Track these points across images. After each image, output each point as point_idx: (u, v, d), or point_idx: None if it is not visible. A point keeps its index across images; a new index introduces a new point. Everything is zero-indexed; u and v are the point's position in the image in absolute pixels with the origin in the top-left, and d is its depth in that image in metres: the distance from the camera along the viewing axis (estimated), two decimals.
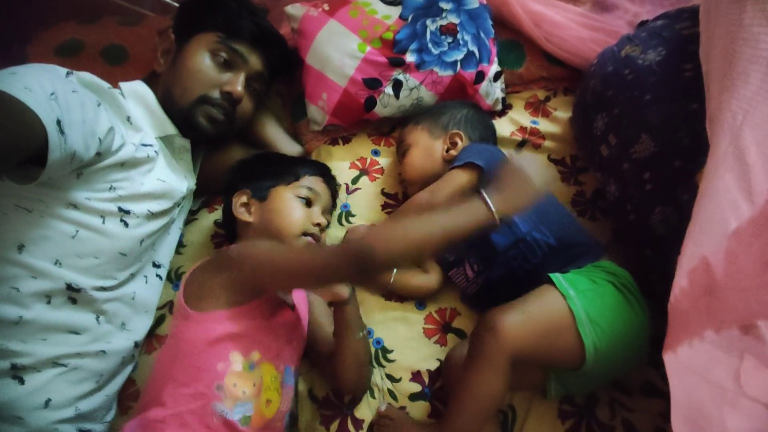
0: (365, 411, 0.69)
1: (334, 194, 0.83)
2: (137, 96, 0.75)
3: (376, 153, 0.95)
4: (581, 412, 0.66)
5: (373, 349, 0.73)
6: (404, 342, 0.74)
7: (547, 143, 0.91)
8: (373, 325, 0.75)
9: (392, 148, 0.94)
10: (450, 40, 0.91)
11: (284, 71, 0.92)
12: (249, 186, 0.74)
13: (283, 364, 0.61)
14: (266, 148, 0.91)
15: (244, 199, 0.73)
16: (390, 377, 0.71)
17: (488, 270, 0.70)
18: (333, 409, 0.69)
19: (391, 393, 0.70)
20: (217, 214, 0.88)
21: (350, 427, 0.68)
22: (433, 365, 0.72)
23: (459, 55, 0.91)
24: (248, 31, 0.80)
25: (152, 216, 0.70)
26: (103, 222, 0.64)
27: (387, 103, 0.91)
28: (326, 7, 0.93)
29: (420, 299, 0.78)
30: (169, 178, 0.75)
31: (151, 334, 0.76)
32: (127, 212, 0.66)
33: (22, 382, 0.57)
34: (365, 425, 0.68)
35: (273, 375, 0.59)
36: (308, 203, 0.73)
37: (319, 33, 0.90)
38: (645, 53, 0.72)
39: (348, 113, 0.92)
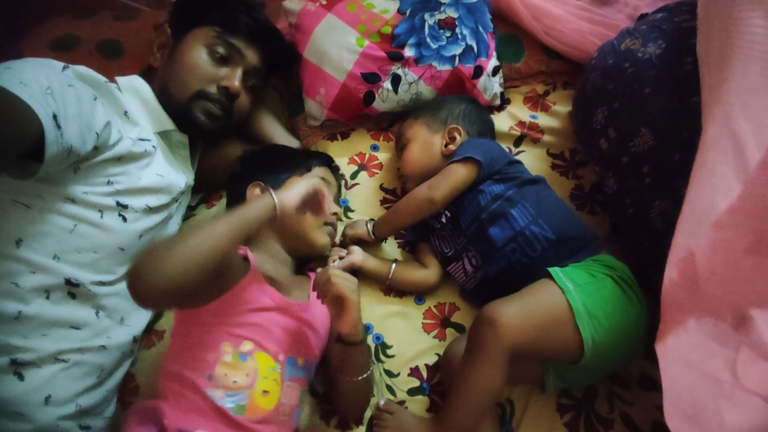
0: None
1: (339, 184, 0.84)
2: (134, 91, 0.75)
3: (374, 148, 0.94)
4: (580, 405, 0.67)
5: (372, 345, 0.73)
6: (403, 337, 0.74)
7: (546, 137, 0.91)
8: (373, 320, 0.75)
9: (391, 143, 0.94)
10: (448, 34, 0.90)
11: (282, 66, 0.91)
12: (261, 178, 0.73)
13: (284, 354, 0.61)
14: (264, 143, 0.91)
15: (257, 191, 0.72)
16: (389, 372, 0.71)
17: (487, 264, 0.70)
18: (333, 404, 0.70)
19: (389, 388, 0.70)
20: (216, 210, 0.88)
21: (351, 422, 0.68)
22: (432, 360, 0.72)
23: (457, 50, 0.90)
24: (245, 26, 0.80)
25: (150, 211, 0.70)
26: (102, 216, 0.63)
27: (386, 98, 0.91)
28: (324, 1, 0.92)
29: (419, 294, 0.78)
30: (167, 173, 0.74)
31: (150, 329, 0.76)
32: (125, 207, 0.66)
33: (21, 378, 0.57)
34: (365, 420, 0.68)
35: (270, 365, 0.59)
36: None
37: (316, 27, 0.90)
38: (645, 46, 0.72)
39: (346, 108, 0.91)
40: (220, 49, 0.78)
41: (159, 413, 0.54)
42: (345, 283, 0.58)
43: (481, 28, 0.93)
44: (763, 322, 0.37)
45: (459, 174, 0.72)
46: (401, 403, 0.69)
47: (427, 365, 0.71)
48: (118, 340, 0.67)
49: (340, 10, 0.90)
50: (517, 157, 0.83)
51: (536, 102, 0.96)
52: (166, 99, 0.77)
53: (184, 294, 0.48)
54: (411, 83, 0.90)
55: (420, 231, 0.81)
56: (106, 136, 0.62)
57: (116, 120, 0.66)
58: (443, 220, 0.76)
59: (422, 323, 0.75)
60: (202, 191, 0.91)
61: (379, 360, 0.72)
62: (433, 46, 0.89)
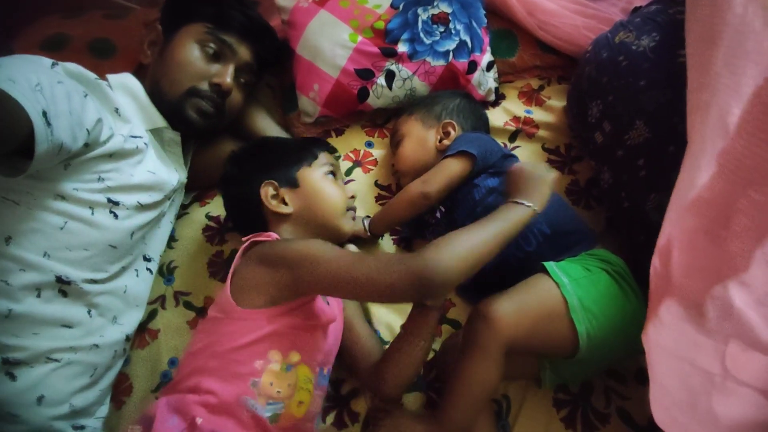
0: (361, 403, 0.68)
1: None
2: (125, 88, 0.74)
3: (369, 145, 0.94)
4: (576, 400, 0.66)
5: None
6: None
7: (541, 132, 0.90)
8: (368, 317, 0.75)
9: (386, 139, 0.94)
10: (442, 29, 0.90)
11: (274, 63, 0.91)
12: (270, 176, 0.68)
13: (319, 365, 0.60)
14: None
15: (271, 190, 0.67)
16: None
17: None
18: (330, 400, 0.69)
19: None
20: (209, 208, 0.87)
21: (346, 419, 0.67)
22: (428, 356, 0.71)
23: (451, 45, 0.90)
24: (237, 22, 0.79)
25: (142, 208, 0.70)
26: (92, 213, 0.63)
27: (380, 94, 0.90)
28: None
29: None
30: (160, 170, 0.74)
31: (143, 328, 0.75)
32: (117, 203, 0.66)
33: (14, 378, 0.57)
34: (361, 418, 0.67)
35: (308, 377, 0.57)
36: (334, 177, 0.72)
37: (309, 23, 0.89)
38: (639, 39, 0.71)
39: (340, 104, 0.91)
40: (212, 46, 0.77)
41: (191, 409, 0.52)
42: None
43: (474, 23, 0.92)
44: (753, 313, 0.36)
45: (453, 168, 0.71)
46: (397, 400, 0.68)
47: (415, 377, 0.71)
48: (110, 338, 0.66)
49: (332, 5, 0.89)
50: (512, 153, 0.83)
51: (531, 97, 0.96)
52: (157, 96, 0.76)
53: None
54: (405, 79, 0.89)
55: (415, 227, 0.80)
56: (97, 132, 0.61)
57: (107, 117, 0.65)
58: (438, 215, 0.76)
59: None
60: (196, 189, 0.91)
61: None
62: (427, 41, 0.89)
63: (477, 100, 0.91)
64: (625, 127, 0.68)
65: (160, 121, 0.76)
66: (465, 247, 0.51)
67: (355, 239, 0.80)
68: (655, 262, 0.45)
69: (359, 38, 0.88)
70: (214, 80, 0.77)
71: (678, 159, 0.62)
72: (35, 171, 0.55)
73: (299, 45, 0.90)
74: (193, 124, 0.77)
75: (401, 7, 0.89)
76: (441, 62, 0.89)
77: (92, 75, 0.68)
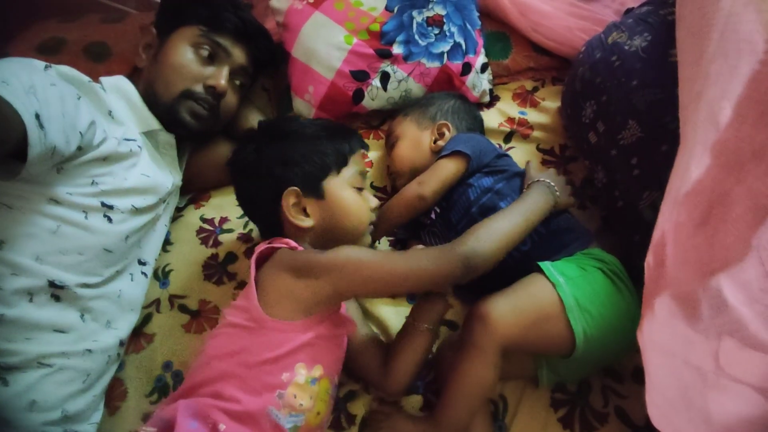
0: (359, 406, 0.68)
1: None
2: (119, 91, 0.74)
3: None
4: (574, 400, 0.66)
5: None
6: (396, 335, 0.73)
7: (536, 133, 0.91)
8: (365, 319, 0.74)
9: (381, 141, 0.94)
10: (436, 31, 0.90)
11: (269, 65, 0.91)
12: (292, 178, 0.61)
13: (337, 376, 0.60)
14: None
15: (293, 198, 0.61)
16: None
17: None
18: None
19: None
20: (204, 211, 0.87)
21: (343, 422, 0.67)
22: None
23: (446, 47, 0.90)
24: (231, 24, 0.79)
25: (137, 211, 0.69)
26: (86, 217, 0.63)
27: (375, 96, 0.91)
28: None
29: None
30: (154, 173, 0.74)
31: (138, 332, 0.75)
32: (111, 207, 0.65)
33: (6, 383, 0.56)
34: (358, 420, 0.67)
35: (326, 389, 0.57)
36: (360, 188, 0.66)
37: (304, 25, 0.89)
38: (631, 39, 0.72)
39: (336, 106, 0.91)
40: (207, 48, 0.77)
41: (213, 415, 0.50)
42: None
43: (468, 25, 0.93)
44: (746, 310, 0.36)
45: (448, 169, 0.71)
46: (395, 403, 0.68)
47: (421, 368, 0.70)
48: (104, 343, 0.66)
49: (327, 7, 0.90)
50: (506, 153, 0.83)
51: (525, 98, 0.96)
52: (152, 99, 0.76)
53: None
54: (400, 81, 0.90)
55: (411, 228, 0.80)
56: (90, 135, 0.61)
57: (101, 120, 0.65)
58: (433, 216, 0.76)
59: None
60: (191, 192, 0.90)
61: None
62: (422, 43, 0.89)
63: (471, 101, 0.92)
64: (619, 126, 0.69)
65: (154, 124, 0.76)
66: (499, 231, 0.58)
67: None
68: (649, 258, 0.45)
69: (354, 40, 0.88)
70: (208, 82, 0.77)
71: (671, 157, 0.62)
72: (28, 174, 0.55)
73: (294, 47, 0.90)
74: (188, 126, 0.77)
75: (396, 9, 0.90)
76: (436, 64, 0.90)
77: (85, 77, 0.68)
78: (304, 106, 0.92)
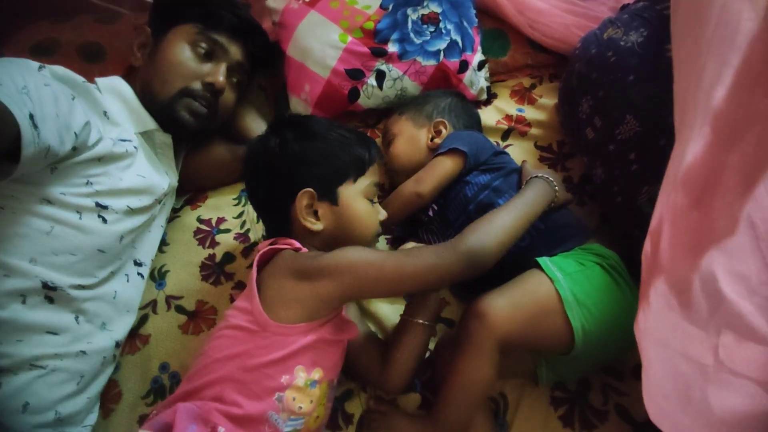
0: (355, 405, 0.67)
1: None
2: (114, 91, 0.74)
3: None
4: (573, 398, 0.65)
5: None
6: (392, 332, 0.72)
7: (534, 130, 0.90)
8: (363, 317, 0.74)
9: (378, 139, 0.93)
10: (432, 29, 0.90)
11: (265, 62, 0.91)
12: (310, 179, 0.61)
13: (335, 379, 0.59)
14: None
15: (307, 200, 0.60)
16: None
17: None
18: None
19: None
20: (200, 212, 0.87)
21: (340, 421, 0.66)
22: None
23: (442, 45, 0.90)
24: (228, 21, 0.79)
25: (132, 212, 0.69)
26: (80, 218, 0.62)
27: (371, 94, 0.90)
28: None
29: None
30: (150, 173, 0.73)
31: (134, 334, 0.74)
32: (105, 207, 0.65)
33: None
34: (355, 419, 0.66)
35: (325, 392, 0.56)
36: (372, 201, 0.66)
37: (299, 24, 0.89)
38: (627, 35, 0.72)
39: (332, 105, 0.91)
40: (203, 45, 0.77)
41: (213, 418, 0.50)
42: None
43: (465, 23, 0.92)
44: (746, 303, 0.36)
45: (445, 166, 0.71)
46: (392, 401, 0.67)
47: (420, 364, 0.70)
48: (99, 345, 0.65)
49: (323, 6, 0.90)
50: (504, 150, 0.83)
51: (523, 95, 0.96)
52: (149, 98, 0.76)
53: None
54: (396, 79, 0.89)
55: (408, 225, 0.80)
56: (85, 136, 0.61)
57: (96, 120, 0.65)
58: (430, 213, 0.75)
59: None
60: (188, 192, 0.90)
61: None
62: (417, 41, 0.89)
63: (469, 99, 0.91)
64: (616, 121, 0.68)
65: (150, 124, 0.76)
66: (502, 227, 0.58)
67: None
68: (646, 245, 0.44)
69: (349, 38, 0.88)
70: (206, 80, 0.76)
71: (669, 152, 0.61)
72: (21, 175, 0.54)
73: (290, 46, 0.90)
74: (186, 124, 0.77)
75: (390, 7, 0.90)
76: (432, 62, 0.89)
77: (80, 78, 0.67)
78: (301, 105, 0.91)
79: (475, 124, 0.86)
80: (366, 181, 0.64)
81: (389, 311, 0.74)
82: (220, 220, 0.85)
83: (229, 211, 0.86)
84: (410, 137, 0.80)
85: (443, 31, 0.90)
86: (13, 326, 0.57)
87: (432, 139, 0.79)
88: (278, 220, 0.63)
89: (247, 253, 0.80)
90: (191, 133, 0.81)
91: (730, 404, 0.38)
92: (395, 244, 0.82)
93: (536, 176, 0.68)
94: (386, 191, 0.87)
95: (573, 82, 0.80)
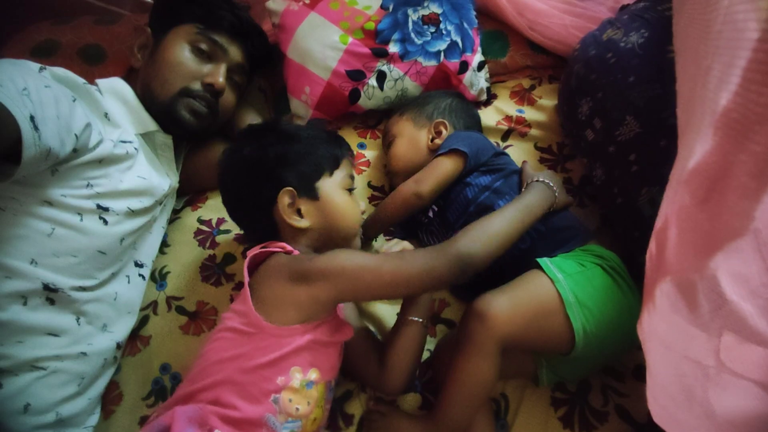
0: (355, 406, 0.67)
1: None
2: (114, 92, 0.74)
3: (362, 146, 0.93)
4: (574, 399, 0.65)
5: None
6: (389, 333, 0.72)
7: (533, 131, 0.90)
8: (361, 319, 0.74)
9: (378, 140, 0.93)
10: (433, 29, 0.90)
11: (265, 63, 0.91)
12: (288, 178, 0.61)
13: (333, 381, 0.59)
14: None
15: (288, 199, 0.61)
16: None
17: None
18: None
19: None
20: (201, 212, 0.86)
21: (340, 422, 0.66)
22: (423, 356, 0.70)
23: (442, 45, 0.90)
24: (227, 22, 0.79)
25: (133, 213, 0.69)
26: (81, 219, 0.62)
27: (372, 95, 0.90)
28: (307, 0, 0.92)
29: None
30: (151, 175, 0.73)
31: (135, 335, 0.74)
32: (106, 209, 0.65)
33: (0, 386, 0.55)
34: (355, 420, 0.66)
35: (323, 394, 0.56)
36: (350, 191, 0.66)
37: (299, 26, 0.89)
38: (627, 36, 0.72)
39: (332, 106, 0.91)
40: (203, 46, 0.77)
41: (210, 421, 0.50)
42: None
43: (465, 24, 0.93)
44: (747, 305, 0.36)
45: (445, 167, 0.71)
46: (392, 402, 0.67)
47: (418, 363, 0.70)
48: (99, 346, 0.65)
49: (323, 8, 0.90)
50: (504, 151, 0.83)
51: (522, 96, 0.96)
52: (149, 99, 0.76)
53: None
54: (396, 79, 0.89)
55: (408, 227, 0.80)
56: (85, 138, 0.61)
57: (96, 122, 0.65)
58: (431, 214, 0.75)
59: None
60: (188, 193, 0.90)
61: None
62: (418, 41, 0.89)
63: (469, 100, 0.91)
64: (616, 123, 0.69)
65: (151, 125, 0.76)
66: (494, 231, 0.59)
67: None
68: (651, 246, 0.44)
69: (350, 39, 0.88)
70: (206, 80, 0.76)
71: (669, 153, 0.61)
72: (22, 177, 0.54)
73: (290, 48, 0.90)
74: (187, 124, 0.77)
75: (391, 7, 0.90)
76: (432, 62, 0.89)
77: (80, 79, 0.67)
78: (301, 106, 0.91)
79: (476, 124, 0.86)
80: (341, 173, 0.65)
81: (388, 312, 0.74)
82: (221, 221, 0.85)
83: None
84: (411, 138, 0.80)
85: (444, 31, 0.90)
86: (13, 328, 0.57)
87: (432, 140, 0.79)
88: (264, 226, 0.63)
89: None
90: (192, 134, 0.81)
91: (732, 405, 0.38)
92: None
93: (536, 180, 0.68)
94: (386, 193, 0.87)
95: (572, 83, 0.80)
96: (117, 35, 1.01)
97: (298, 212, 0.62)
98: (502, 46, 0.99)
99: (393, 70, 0.89)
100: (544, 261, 0.60)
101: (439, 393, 0.61)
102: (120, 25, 1.04)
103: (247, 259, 0.58)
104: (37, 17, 1.06)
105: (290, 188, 0.61)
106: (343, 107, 0.91)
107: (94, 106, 0.67)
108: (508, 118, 0.92)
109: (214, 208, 0.87)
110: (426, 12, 0.90)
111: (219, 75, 0.76)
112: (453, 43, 0.90)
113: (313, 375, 0.54)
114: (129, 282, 0.72)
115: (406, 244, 0.65)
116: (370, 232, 0.77)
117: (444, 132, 0.79)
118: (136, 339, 0.74)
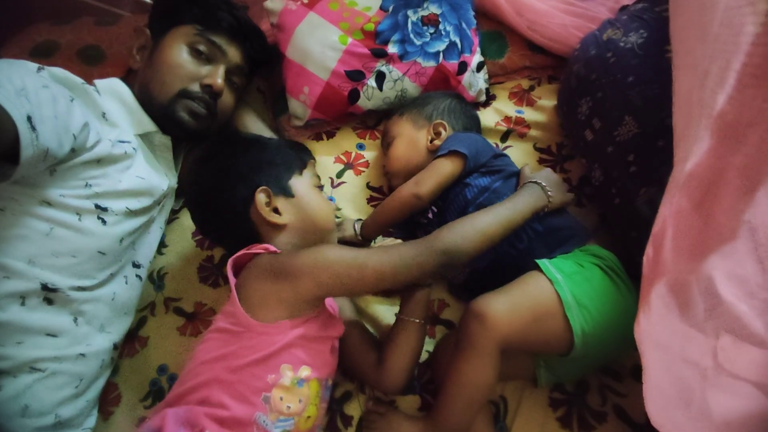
0: (354, 407, 0.67)
1: None
2: (113, 93, 0.74)
3: (361, 147, 0.93)
4: (572, 399, 0.65)
5: None
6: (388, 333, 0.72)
7: (533, 132, 0.90)
8: (360, 318, 0.74)
9: (377, 141, 0.93)
10: (432, 30, 0.90)
11: (263, 64, 0.91)
12: (259, 181, 0.62)
13: (327, 378, 0.59)
14: None
15: (264, 197, 0.62)
16: None
17: (475, 258, 0.69)
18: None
19: None
20: None
21: (339, 424, 0.66)
22: (422, 357, 0.70)
23: (441, 46, 0.90)
24: (226, 23, 0.79)
25: (131, 214, 0.69)
26: (80, 219, 0.62)
27: (371, 96, 0.90)
28: (305, 0, 0.92)
29: None
30: (149, 175, 0.73)
31: (132, 336, 0.74)
32: (105, 209, 0.65)
33: None
34: (354, 422, 0.66)
35: (317, 391, 0.56)
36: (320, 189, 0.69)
37: (298, 26, 0.89)
38: (626, 36, 0.72)
39: (331, 107, 0.91)
40: (202, 47, 0.77)
41: (200, 421, 0.50)
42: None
43: (464, 25, 0.93)
44: (744, 306, 0.36)
45: (444, 168, 0.71)
46: (391, 402, 0.67)
47: (417, 363, 0.70)
48: (98, 347, 0.65)
49: (322, 8, 0.90)
50: (503, 152, 0.83)
51: (522, 97, 0.96)
52: (148, 100, 0.76)
53: None
54: (396, 80, 0.89)
55: (407, 228, 0.80)
56: (83, 137, 0.61)
57: (94, 122, 0.65)
58: (430, 215, 0.75)
59: None
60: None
61: None
62: (417, 42, 0.89)
63: (468, 100, 0.91)
64: (615, 123, 0.69)
65: (149, 126, 0.76)
66: (477, 227, 0.59)
67: (347, 244, 0.79)
68: (649, 249, 0.44)
69: (349, 40, 0.88)
70: (205, 81, 0.76)
71: (667, 153, 0.61)
72: (20, 177, 0.54)
73: (288, 48, 0.90)
74: (185, 125, 0.77)
75: (391, 9, 0.90)
76: (431, 63, 0.89)
77: (79, 80, 0.67)
78: (300, 107, 0.91)
79: (475, 125, 0.86)
80: (309, 173, 0.68)
81: (385, 311, 0.74)
82: None
83: None
84: (410, 139, 0.80)
85: (443, 32, 0.90)
86: (12, 328, 0.57)
87: (431, 141, 0.79)
88: (243, 231, 0.63)
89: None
90: (191, 134, 0.81)
91: (729, 407, 0.38)
92: None
93: (530, 181, 0.68)
94: (385, 194, 0.87)
95: (572, 83, 0.80)
96: (116, 36, 1.01)
97: (275, 210, 0.63)
98: (500, 47, 0.99)
99: (392, 71, 0.89)
100: (543, 262, 0.60)
101: (438, 394, 0.61)
102: (119, 26, 1.04)
103: (230, 261, 0.58)
104: (36, 18, 1.06)
105: (265, 187, 0.62)
106: (342, 107, 0.91)
107: (92, 106, 0.67)
108: (508, 118, 0.92)
109: None
110: (425, 13, 0.90)
111: (217, 76, 0.76)
112: (452, 44, 0.90)
113: (304, 372, 0.54)
114: (126, 282, 0.72)
115: (398, 244, 0.65)
116: (369, 232, 0.77)
117: (443, 133, 0.79)
118: (134, 340, 0.74)
